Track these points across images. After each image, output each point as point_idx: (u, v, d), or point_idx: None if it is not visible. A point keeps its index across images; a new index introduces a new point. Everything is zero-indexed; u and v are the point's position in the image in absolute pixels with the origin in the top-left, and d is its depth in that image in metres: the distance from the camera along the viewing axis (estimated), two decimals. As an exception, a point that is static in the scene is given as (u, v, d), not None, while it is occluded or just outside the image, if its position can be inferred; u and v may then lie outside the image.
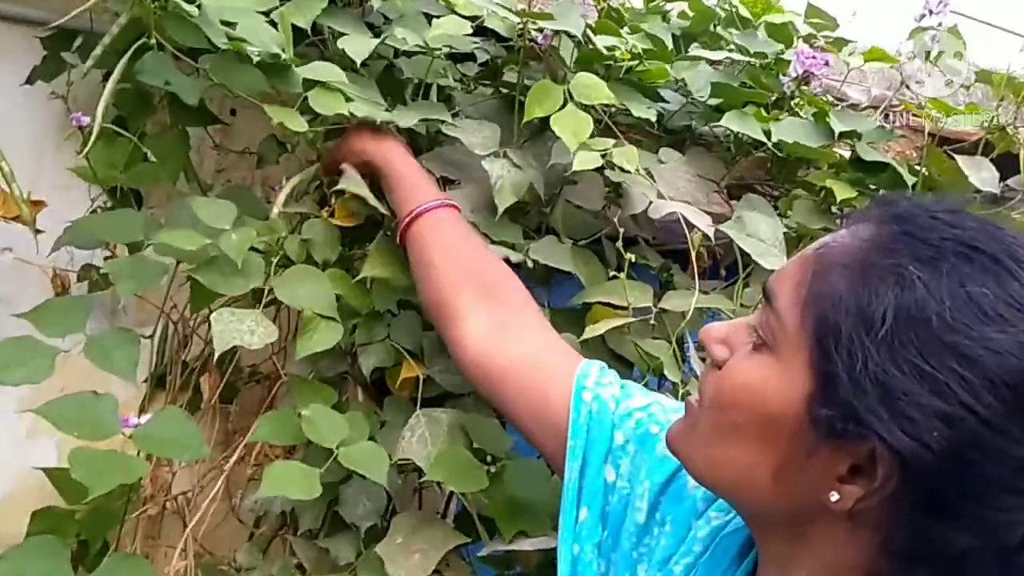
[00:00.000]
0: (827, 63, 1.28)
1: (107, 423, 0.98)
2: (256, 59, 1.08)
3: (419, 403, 1.14)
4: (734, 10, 1.37)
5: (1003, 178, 1.31)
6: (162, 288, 1.19)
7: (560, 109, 1.11)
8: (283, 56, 1.09)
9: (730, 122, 1.21)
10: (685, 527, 0.80)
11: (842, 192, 1.25)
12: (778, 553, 0.70)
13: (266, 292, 1.11)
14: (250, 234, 1.08)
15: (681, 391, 1.14)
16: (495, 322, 1.01)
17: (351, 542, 1.15)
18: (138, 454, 1.03)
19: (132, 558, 1.06)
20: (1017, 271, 0.59)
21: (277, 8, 1.10)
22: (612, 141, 1.14)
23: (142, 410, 1.22)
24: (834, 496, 0.62)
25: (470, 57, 1.28)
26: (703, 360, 1.21)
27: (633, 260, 1.14)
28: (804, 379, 0.62)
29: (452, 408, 1.16)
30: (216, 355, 1.06)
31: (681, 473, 0.82)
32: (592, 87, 1.13)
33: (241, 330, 1.05)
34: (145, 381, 1.24)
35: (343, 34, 1.14)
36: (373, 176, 1.14)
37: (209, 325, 1.18)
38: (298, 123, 1.09)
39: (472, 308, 1.02)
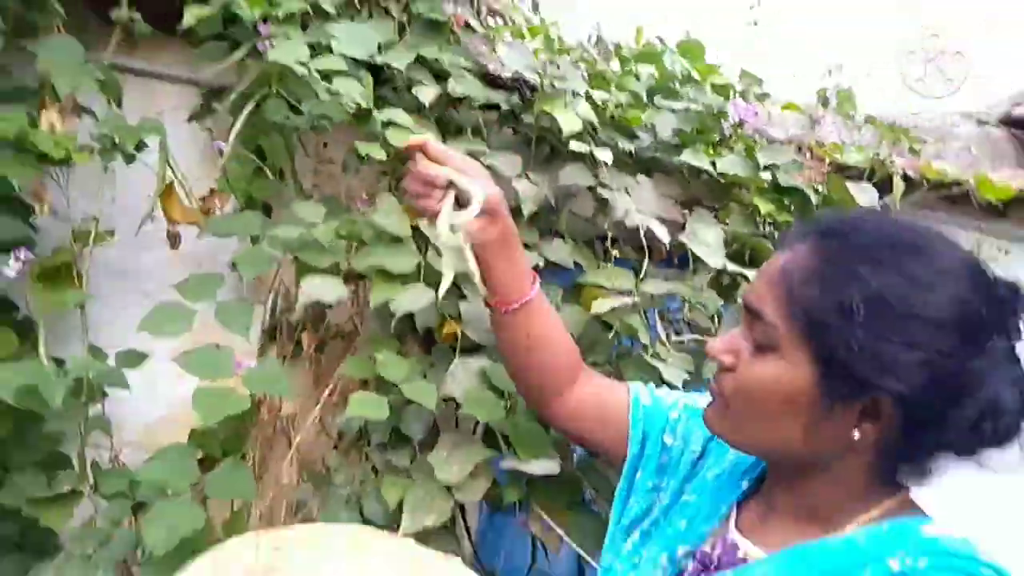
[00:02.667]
0: (756, 113, 1.32)
1: (225, 367, 1.02)
2: (351, 108, 1.10)
3: (458, 351, 1.16)
4: (687, 72, 1.38)
5: (881, 197, 1.35)
6: (273, 270, 1.23)
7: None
8: (365, 105, 1.12)
9: (687, 156, 1.25)
10: (723, 454, 0.82)
11: (765, 207, 1.29)
12: (795, 480, 0.70)
13: (345, 266, 1.13)
14: (333, 225, 1.13)
15: (651, 351, 1.17)
16: (567, 401, 0.92)
17: (408, 453, 1.18)
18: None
19: (239, 466, 1.09)
20: (927, 246, 0.63)
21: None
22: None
23: (260, 356, 1.27)
24: (857, 435, 0.63)
25: (496, 107, 1.29)
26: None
27: (617, 255, 1.19)
28: (808, 366, 0.63)
29: (479, 356, 1.17)
30: (302, 304, 1.08)
31: None
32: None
33: (321, 289, 1.09)
34: (262, 334, 1.28)
35: (418, 82, 1.17)
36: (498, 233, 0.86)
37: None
38: (378, 152, 1.12)
39: (563, 392, 0.92)
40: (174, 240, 1.20)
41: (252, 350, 1.25)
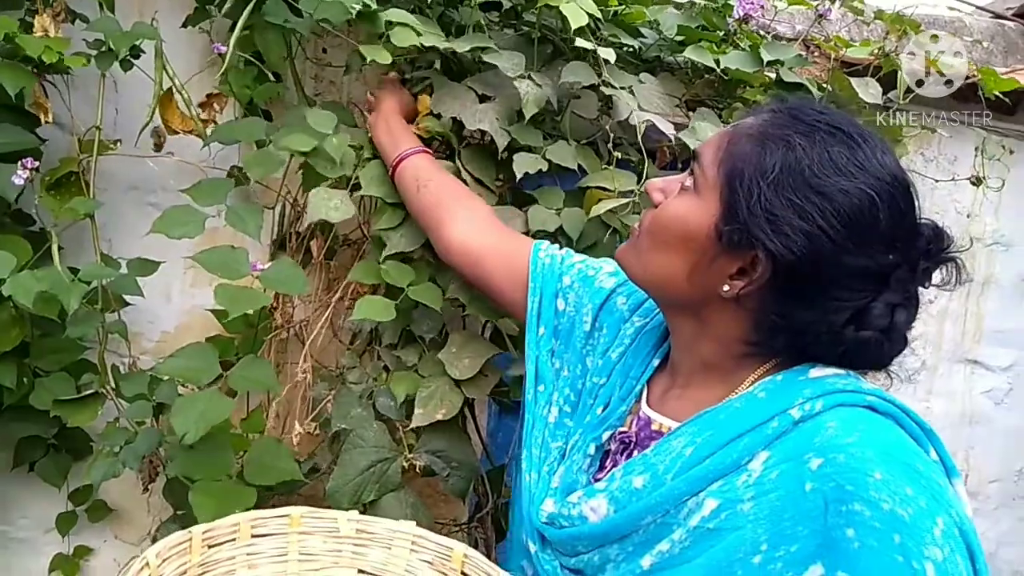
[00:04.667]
0: (762, 7, 1.29)
1: (241, 267, 1.03)
2: (354, 8, 1.07)
3: None
4: None
5: (885, 92, 1.32)
6: (279, 178, 1.23)
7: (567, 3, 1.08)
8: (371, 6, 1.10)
9: (691, 54, 1.22)
10: (617, 328, 0.86)
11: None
12: (686, 335, 0.75)
13: (352, 179, 1.13)
14: (346, 139, 1.12)
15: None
16: (466, 224, 1.04)
17: (416, 351, 1.20)
18: (264, 291, 1.07)
19: (259, 360, 1.11)
20: (863, 144, 0.67)
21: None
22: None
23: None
24: (726, 287, 0.69)
25: (497, 6, 1.27)
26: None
27: (619, 157, 1.17)
28: (715, 209, 0.68)
29: None
30: (309, 222, 1.12)
31: (613, 296, 0.89)
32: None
33: (328, 206, 1.10)
34: (272, 243, 1.30)
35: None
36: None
37: (315, 204, 1.27)
38: (384, 56, 1.09)
39: (449, 217, 1.05)
40: (159, 141, 1.19)
41: (264, 258, 1.27)
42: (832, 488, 0.60)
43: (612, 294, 0.88)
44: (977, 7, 2.11)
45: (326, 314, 1.24)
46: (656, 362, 0.81)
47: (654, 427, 0.76)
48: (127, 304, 1.22)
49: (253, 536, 0.78)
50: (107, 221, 1.24)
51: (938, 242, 0.69)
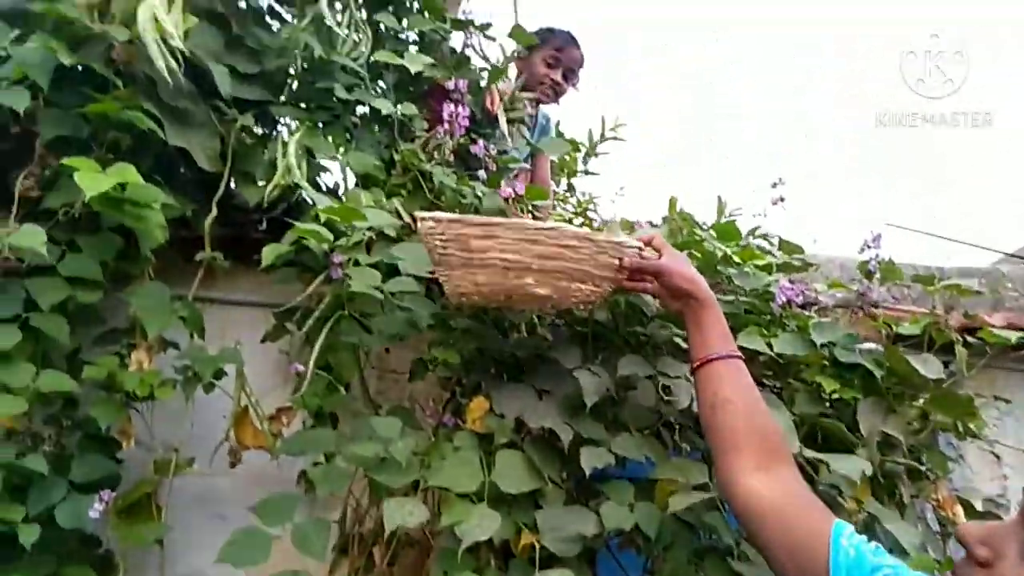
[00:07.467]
0: (803, 292, 1.32)
1: None
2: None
3: (537, 565, 1.10)
4: (727, 253, 1.37)
5: (946, 365, 1.31)
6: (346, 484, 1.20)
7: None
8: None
9: (742, 340, 1.22)
10: None
11: (829, 385, 1.25)
12: None
13: (421, 483, 1.11)
14: (411, 443, 1.12)
15: (736, 551, 1.12)
16: (761, 474, 0.90)
17: None
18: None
19: None
20: None
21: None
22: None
23: (331, 573, 1.24)
24: None
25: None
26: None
27: (688, 448, 1.15)
28: None
29: (560, 569, 1.09)
30: (387, 531, 1.05)
31: None
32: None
33: (403, 512, 1.07)
34: (333, 549, 1.25)
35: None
36: (683, 305, 1.03)
37: (378, 507, 1.22)
38: (454, 358, 1.17)
39: (742, 455, 0.92)
40: (235, 459, 1.21)
41: (325, 565, 1.22)
42: None
43: None
44: (1007, 254, 2.17)
45: (390, 629, 1.17)
46: None
47: None
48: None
49: None
50: (175, 534, 1.22)
51: None
